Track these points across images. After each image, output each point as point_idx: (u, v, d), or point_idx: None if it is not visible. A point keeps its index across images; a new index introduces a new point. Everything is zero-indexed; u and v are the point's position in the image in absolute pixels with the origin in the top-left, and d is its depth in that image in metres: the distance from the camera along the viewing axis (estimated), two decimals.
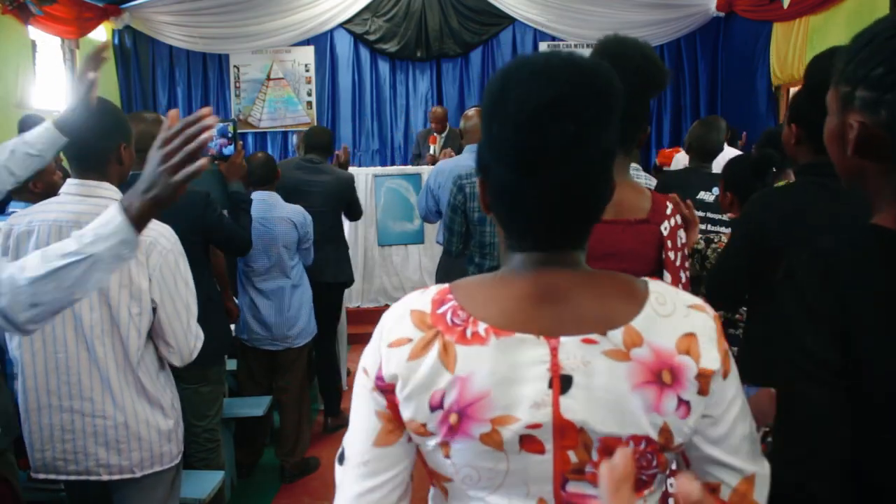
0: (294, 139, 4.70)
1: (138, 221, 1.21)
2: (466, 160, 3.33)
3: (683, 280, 1.79)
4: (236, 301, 3.43)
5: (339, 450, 0.91)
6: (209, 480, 2.51)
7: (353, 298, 5.87)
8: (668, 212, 1.79)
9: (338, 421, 4.11)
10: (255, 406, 3.30)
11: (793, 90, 6.35)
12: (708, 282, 2.01)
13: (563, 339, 0.79)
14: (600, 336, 0.79)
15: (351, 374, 4.98)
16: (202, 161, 1.17)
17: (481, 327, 0.80)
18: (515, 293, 0.83)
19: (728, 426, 0.83)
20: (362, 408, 0.87)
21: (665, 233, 1.76)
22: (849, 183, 0.98)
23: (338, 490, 0.89)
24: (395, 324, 0.85)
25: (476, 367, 0.79)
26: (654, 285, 0.85)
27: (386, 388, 0.84)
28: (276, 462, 3.55)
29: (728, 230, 2.69)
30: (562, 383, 0.79)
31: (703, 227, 3.13)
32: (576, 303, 0.82)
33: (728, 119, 7.01)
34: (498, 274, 0.88)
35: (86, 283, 1.24)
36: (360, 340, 5.55)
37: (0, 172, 1.69)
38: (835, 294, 0.88)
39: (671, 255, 1.79)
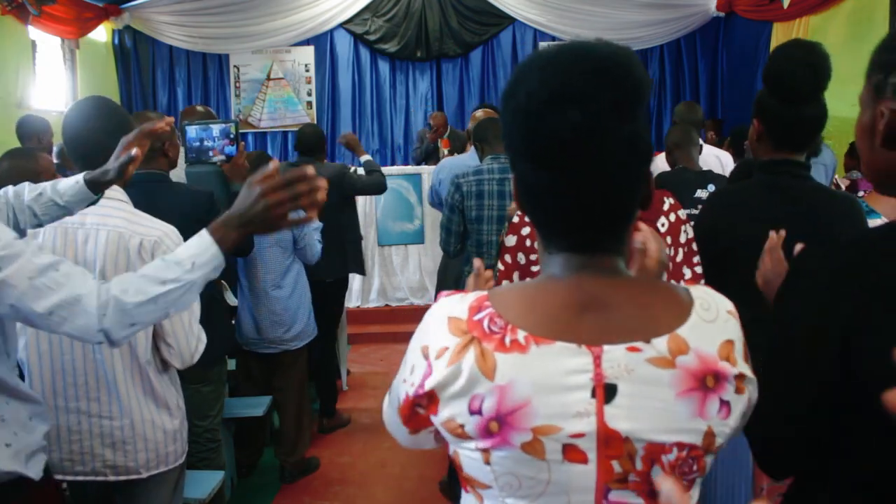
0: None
1: (229, 249, 1.31)
2: (468, 159, 3.33)
3: (688, 276, 1.78)
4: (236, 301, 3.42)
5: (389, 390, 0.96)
6: (209, 480, 2.51)
7: (352, 298, 5.87)
8: (666, 208, 1.77)
9: (333, 422, 4.10)
10: (255, 406, 3.29)
11: None
12: None
13: (606, 347, 0.78)
14: (644, 344, 0.78)
15: (351, 375, 4.98)
16: (305, 216, 1.27)
17: (520, 335, 0.79)
18: (556, 301, 0.82)
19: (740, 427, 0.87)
20: (397, 388, 0.90)
21: (662, 229, 1.75)
22: (878, 184, 0.96)
23: (387, 424, 0.98)
24: (437, 332, 0.83)
25: (516, 375, 0.78)
26: (696, 291, 0.84)
27: (423, 395, 0.83)
28: (276, 462, 3.55)
29: None
30: (606, 392, 0.78)
31: None
32: (618, 310, 0.81)
33: (728, 119, 7.05)
34: (537, 280, 0.87)
35: (180, 305, 1.33)
36: (359, 340, 5.56)
37: (25, 211, 1.65)
38: (841, 292, 0.88)
39: (669, 251, 1.78)
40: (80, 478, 1.82)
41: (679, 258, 1.78)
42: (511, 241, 1.94)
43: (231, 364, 3.49)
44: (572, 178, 0.78)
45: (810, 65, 1.66)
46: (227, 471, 2.97)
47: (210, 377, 2.64)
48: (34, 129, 4.29)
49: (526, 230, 1.92)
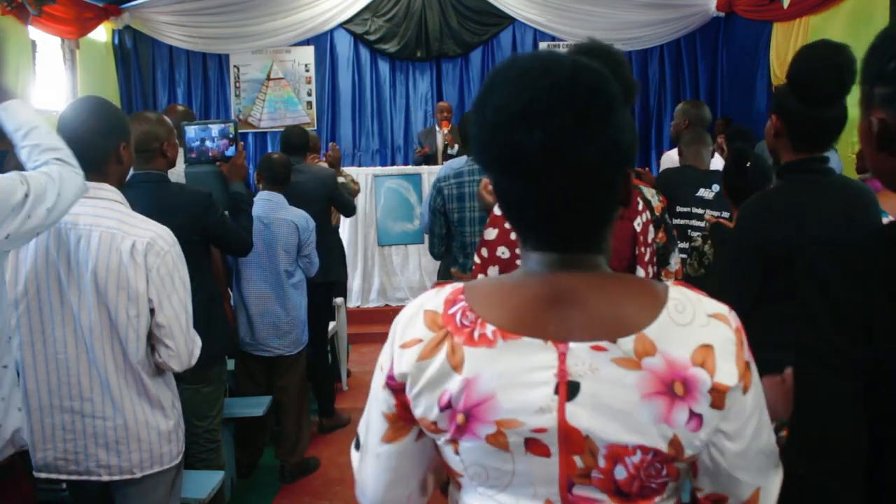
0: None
1: None
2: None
3: (649, 275, 1.79)
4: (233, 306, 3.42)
5: (355, 437, 0.95)
6: (209, 480, 2.51)
7: (352, 298, 5.87)
8: (640, 207, 1.78)
9: (332, 422, 4.11)
10: (255, 406, 3.29)
11: None
12: (711, 290, 2.00)
13: (571, 344, 0.79)
14: (610, 343, 0.78)
15: (351, 375, 4.97)
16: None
17: (489, 329, 0.80)
18: (526, 296, 0.82)
19: (746, 442, 0.81)
20: (374, 405, 0.90)
21: (638, 229, 1.76)
22: (885, 183, 0.97)
23: (356, 474, 0.94)
24: (409, 324, 0.86)
25: (482, 369, 0.79)
26: (674, 291, 0.82)
27: (396, 387, 0.85)
28: (276, 462, 3.55)
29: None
30: (568, 389, 0.78)
31: (702, 224, 3.13)
32: (588, 307, 0.80)
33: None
34: (513, 275, 0.88)
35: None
36: (359, 340, 5.55)
37: None
38: (856, 285, 0.88)
39: (643, 249, 1.78)
40: (74, 477, 1.83)
41: (647, 257, 1.79)
42: (491, 234, 1.90)
43: (229, 364, 3.50)
44: (543, 188, 0.78)
45: (837, 67, 1.64)
46: (227, 471, 2.96)
47: (210, 377, 2.63)
48: None
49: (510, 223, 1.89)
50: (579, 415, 0.78)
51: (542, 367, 0.78)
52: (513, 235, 1.87)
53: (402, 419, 0.88)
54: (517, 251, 1.86)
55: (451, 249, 3.01)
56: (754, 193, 2.46)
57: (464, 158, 3.10)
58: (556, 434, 0.79)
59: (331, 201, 4.04)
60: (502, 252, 1.88)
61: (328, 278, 3.93)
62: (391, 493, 0.91)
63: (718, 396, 0.78)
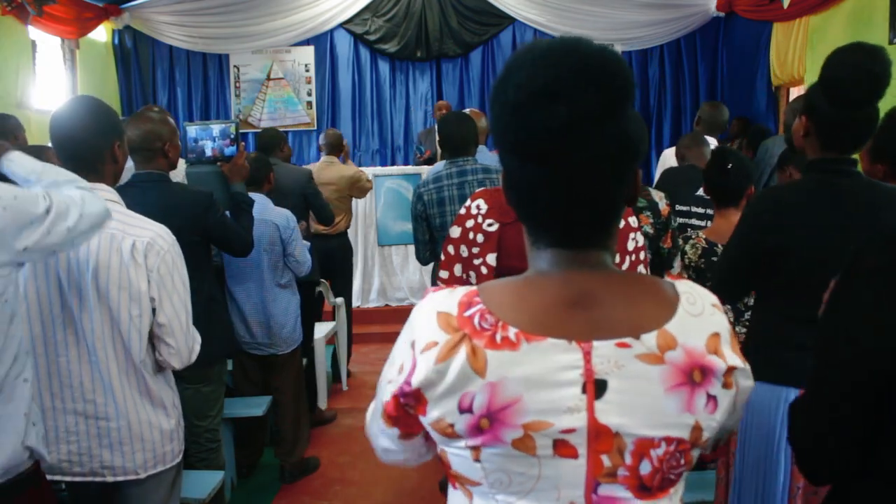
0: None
1: None
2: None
3: None
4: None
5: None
6: (209, 480, 2.52)
7: (353, 298, 5.87)
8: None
9: (315, 417, 4.09)
10: (255, 406, 3.30)
11: (793, 90, 6.35)
12: (713, 276, 2.00)
13: (595, 343, 0.79)
14: (634, 340, 0.80)
15: (351, 376, 4.98)
16: None
17: (511, 332, 0.80)
18: (545, 297, 0.83)
19: (737, 416, 0.88)
20: (381, 392, 0.90)
21: None
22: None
23: (370, 435, 0.97)
24: (424, 327, 0.83)
25: (507, 372, 0.79)
26: (681, 286, 0.85)
27: (410, 393, 0.83)
28: (276, 462, 3.55)
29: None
30: (596, 388, 0.79)
31: (702, 223, 3.15)
32: (608, 306, 0.82)
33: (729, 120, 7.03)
34: (526, 276, 0.87)
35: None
36: (359, 340, 5.55)
37: None
38: (891, 288, 0.88)
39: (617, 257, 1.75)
40: (79, 479, 1.82)
41: (625, 265, 1.76)
42: (455, 232, 1.91)
43: (228, 364, 3.49)
44: (559, 172, 0.79)
45: (869, 72, 1.63)
46: (227, 471, 2.97)
47: (210, 377, 2.64)
48: (6, 127, 4.22)
49: (470, 223, 1.88)
50: (609, 412, 0.79)
51: (569, 366, 0.79)
52: (471, 235, 1.88)
53: (405, 435, 0.90)
54: (474, 251, 1.87)
55: (437, 254, 3.00)
56: (735, 194, 2.49)
57: (442, 163, 3.09)
58: (585, 434, 0.79)
59: (305, 200, 4.04)
60: (462, 250, 1.89)
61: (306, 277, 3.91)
62: (391, 457, 0.96)
63: (729, 376, 0.82)
